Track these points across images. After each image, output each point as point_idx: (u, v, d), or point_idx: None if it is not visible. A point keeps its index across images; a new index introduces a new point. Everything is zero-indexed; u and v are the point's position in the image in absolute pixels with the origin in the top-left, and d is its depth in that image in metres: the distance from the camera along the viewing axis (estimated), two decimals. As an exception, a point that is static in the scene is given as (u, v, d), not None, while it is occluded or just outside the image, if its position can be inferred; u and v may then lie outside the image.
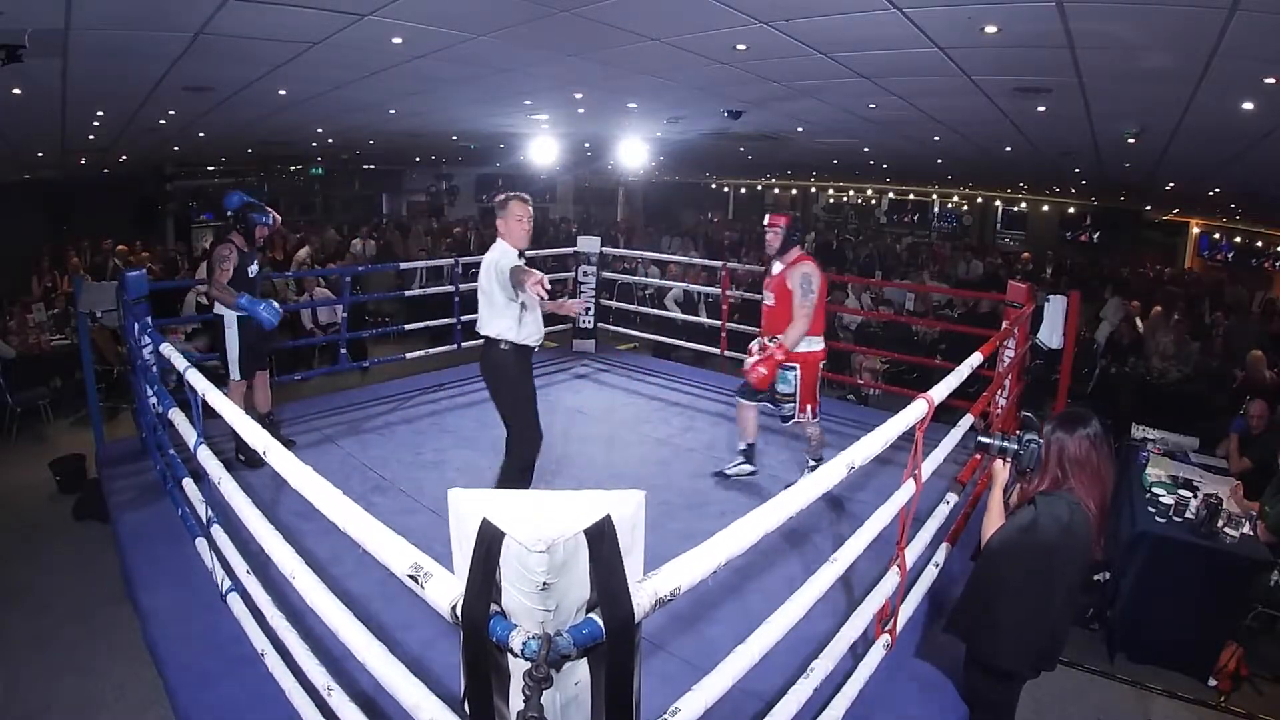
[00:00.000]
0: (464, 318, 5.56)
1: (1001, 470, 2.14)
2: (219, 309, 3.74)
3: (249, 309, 3.64)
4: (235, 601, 2.37)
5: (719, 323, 5.58)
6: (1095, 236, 14.77)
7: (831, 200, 18.62)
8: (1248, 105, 4.37)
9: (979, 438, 2.17)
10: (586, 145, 10.69)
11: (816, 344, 3.51)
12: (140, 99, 5.70)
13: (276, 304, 3.76)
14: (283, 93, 5.90)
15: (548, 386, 5.41)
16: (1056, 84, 4.55)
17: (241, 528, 1.98)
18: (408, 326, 6.08)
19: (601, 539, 0.79)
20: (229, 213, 3.78)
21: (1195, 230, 13.79)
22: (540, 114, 7.80)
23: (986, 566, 2.04)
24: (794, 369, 3.44)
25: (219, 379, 3.83)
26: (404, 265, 7.76)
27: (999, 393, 3.94)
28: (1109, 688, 3.06)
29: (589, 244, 6.26)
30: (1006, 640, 1.98)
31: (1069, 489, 1.92)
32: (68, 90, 5.07)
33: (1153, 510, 3.30)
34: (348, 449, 4.12)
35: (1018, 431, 2.12)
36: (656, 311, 7.34)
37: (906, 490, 2.14)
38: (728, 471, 3.77)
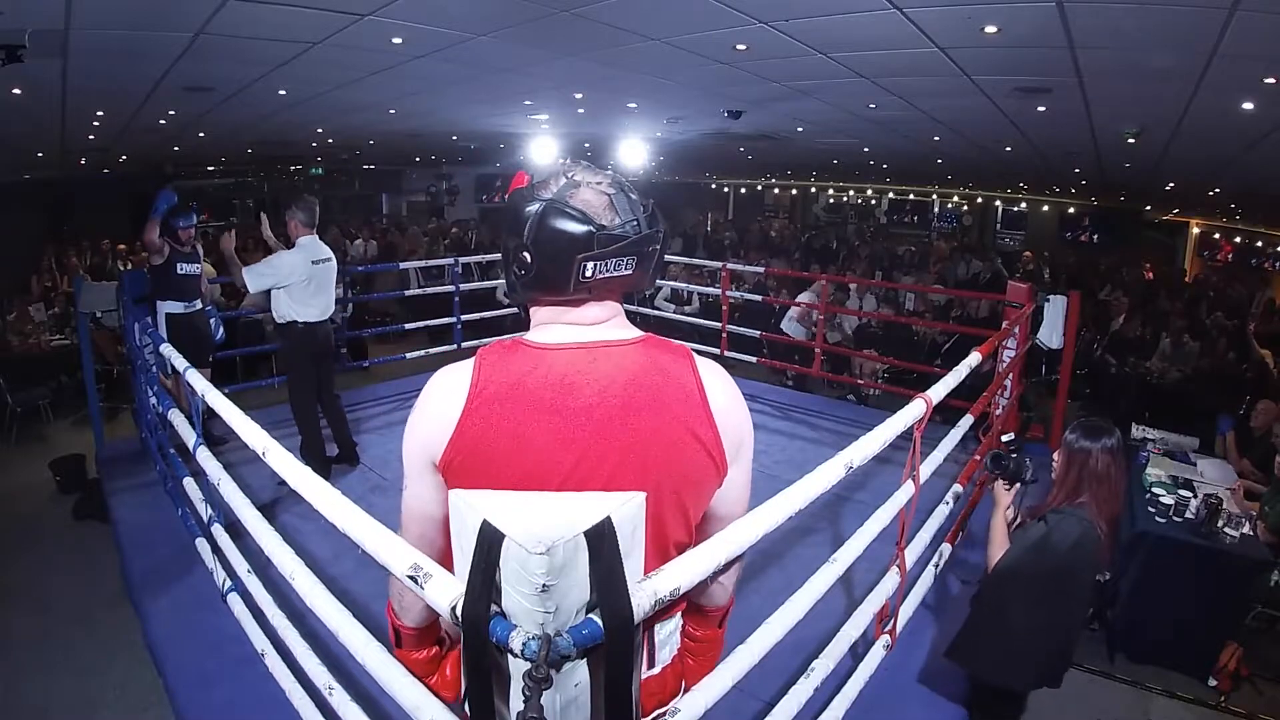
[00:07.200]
0: (464, 317, 5.57)
1: (1005, 495, 2.10)
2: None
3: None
4: (235, 601, 2.37)
5: (718, 324, 5.58)
6: (1095, 237, 14.76)
7: (831, 200, 18.61)
8: (1248, 105, 4.36)
9: (992, 457, 2.14)
10: (586, 145, 10.68)
11: None
12: (140, 99, 5.69)
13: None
14: (283, 93, 5.90)
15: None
16: (1056, 84, 4.55)
17: (242, 528, 1.98)
18: (408, 326, 6.08)
19: (602, 541, 0.78)
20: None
21: (1195, 230, 13.77)
22: (540, 114, 7.79)
23: (995, 591, 1.96)
24: None
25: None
26: (403, 265, 7.77)
27: (999, 393, 3.94)
28: (1109, 688, 3.06)
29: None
30: (1019, 664, 1.93)
31: (1081, 504, 1.86)
32: (68, 90, 5.07)
33: (1153, 510, 3.30)
34: (348, 449, 4.11)
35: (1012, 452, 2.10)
36: (655, 312, 7.34)
37: (906, 491, 2.14)
38: None
